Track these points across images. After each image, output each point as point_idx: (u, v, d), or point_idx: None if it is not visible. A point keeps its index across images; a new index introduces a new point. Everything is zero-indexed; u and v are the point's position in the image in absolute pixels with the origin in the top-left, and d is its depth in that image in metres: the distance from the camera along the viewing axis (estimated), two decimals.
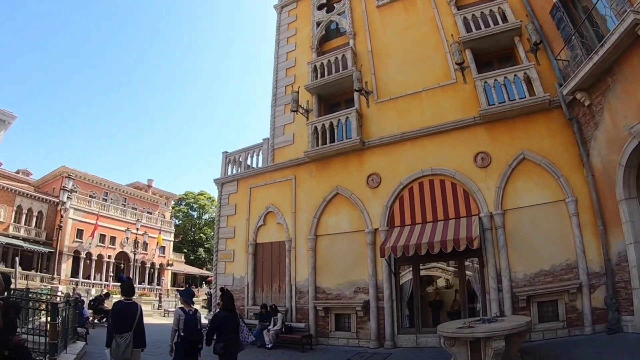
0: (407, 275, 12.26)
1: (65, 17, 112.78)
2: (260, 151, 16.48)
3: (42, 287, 18.73)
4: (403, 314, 11.87)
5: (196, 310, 7.14)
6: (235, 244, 15.69)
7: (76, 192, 42.99)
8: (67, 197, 17.86)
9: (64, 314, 8.79)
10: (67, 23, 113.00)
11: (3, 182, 41.87)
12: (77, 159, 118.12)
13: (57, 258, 36.79)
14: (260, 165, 16.28)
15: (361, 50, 15.36)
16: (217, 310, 7.98)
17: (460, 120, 12.05)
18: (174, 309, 18.76)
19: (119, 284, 9.98)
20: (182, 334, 6.64)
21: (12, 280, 7.05)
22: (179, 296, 11.91)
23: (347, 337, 12.34)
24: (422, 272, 12.44)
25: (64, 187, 18.69)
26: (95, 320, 17.64)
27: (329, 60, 15.46)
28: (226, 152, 17.50)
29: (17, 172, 50.67)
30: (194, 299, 7.57)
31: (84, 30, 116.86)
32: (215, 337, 6.80)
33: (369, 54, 15.07)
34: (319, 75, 15.60)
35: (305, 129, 14.85)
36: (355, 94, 14.20)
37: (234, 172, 16.78)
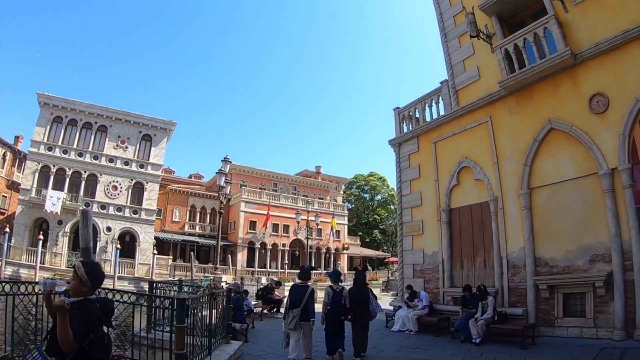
0: None
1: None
2: (440, 97, 15.30)
3: (202, 277, 19.03)
4: None
5: (343, 287, 9.31)
6: (423, 213, 14.86)
7: (245, 186, 47.42)
8: (225, 188, 18.66)
9: (206, 311, 8.24)
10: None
11: (176, 186, 48.65)
12: (243, 156, 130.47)
13: (214, 250, 39.31)
14: (442, 113, 15.08)
15: None
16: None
17: None
18: None
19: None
20: (329, 307, 8.87)
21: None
22: (328, 277, 12.45)
23: (579, 325, 10.17)
24: None
25: (226, 180, 19.37)
26: (265, 311, 17.25)
27: None
28: (397, 107, 16.72)
29: (190, 177, 59.30)
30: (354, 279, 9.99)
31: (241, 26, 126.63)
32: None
33: None
34: None
35: (490, 59, 13.28)
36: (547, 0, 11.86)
37: (411, 128, 15.78)
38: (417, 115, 16.04)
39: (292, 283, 21.44)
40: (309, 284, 9.12)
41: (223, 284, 16.56)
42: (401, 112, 16.59)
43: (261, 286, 21.92)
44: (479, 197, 13.27)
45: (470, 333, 10.67)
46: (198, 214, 49.18)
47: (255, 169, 54.13)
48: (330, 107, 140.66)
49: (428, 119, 15.60)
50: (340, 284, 9.44)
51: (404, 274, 15.36)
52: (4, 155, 44.05)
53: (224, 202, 18.65)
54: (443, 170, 14.32)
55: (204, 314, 8.02)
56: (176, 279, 29.93)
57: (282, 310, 17.15)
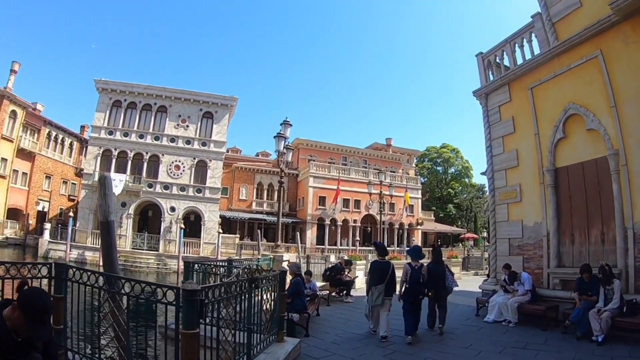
0: None
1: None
2: (532, 34, 12.46)
3: (260, 256, 16.52)
4: None
5: (422, 265, 9.26)
6: (521, 175, 12.32)
7: (314, 160, 46.15)
8: (287, 154, 16.49)
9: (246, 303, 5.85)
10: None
11: (242, 163, 48.15)
12: (310, 131, 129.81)
13: (277, 227, 38.08)
14: (537, 52, 12.25)
15: None
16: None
17: None
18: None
19: (372, 248, 10.17)
20: (407, 285, 8.94)
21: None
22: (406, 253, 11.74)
23: None
24: None
25: (287, 146, 17.21)
26: (333, 294, 14.94)
27: None
28: (481, 53, 14.31)
29: (257, 155, 59.27)
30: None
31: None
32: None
33: None
34: None
35: None
36: None
37: (500, 75, 13.12)
38: (506, 61, 13.42)
39: (363, 262, 19.59)
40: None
41: (284, 264, 14.30)
42: (485, 58, 14.02)
43: (330, 265, 19.45)
44: (593, 152, 10.44)
45: (590, 327, 8.21)
46: (265, 191, 48.29)
47: (323, 143, 52.69)
48: (400, 77, 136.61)
49: (520, 61, 12.85)
50: (419, 261, 9.42)
51: (497, 251, 12.84)
52: (71, 145, 47.87)
53: (285, 170, 16.41)
54: (544, 121, 11.60)
55: (244, 305, 5.79)
56: (243, 257, 28.93)
57: (352, 293, 15.33)
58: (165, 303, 4.18)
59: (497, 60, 13.84)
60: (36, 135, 42.84)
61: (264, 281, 6.49)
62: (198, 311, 4.04)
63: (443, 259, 10.73)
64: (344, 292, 15.36)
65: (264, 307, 6.51)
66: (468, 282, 17.53)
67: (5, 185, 38.66)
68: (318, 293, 12.34)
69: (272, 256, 15.37)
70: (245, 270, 7.70)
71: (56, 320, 4.63)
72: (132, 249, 35.43)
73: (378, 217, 37.27)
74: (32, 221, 40.59)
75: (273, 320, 6.81)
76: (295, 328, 8.65)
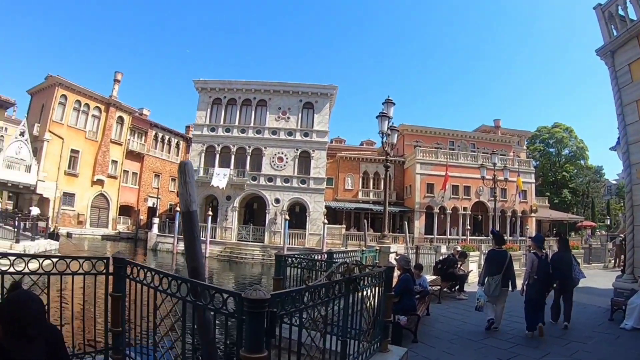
0: None
1: None
2: None
3: (363, 249, 14.57)
4: None
5: (547, 254, 8.76)
6: None
7: (419, 146, 44.76)
8: (392, 136, 15.08)
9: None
10: None
11: (346, 153, 47.99)
12: (414, 116, 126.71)
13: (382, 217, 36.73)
14: None
15: None
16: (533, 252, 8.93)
17: None
18: None
19: (483, 238, 9.73)
20: (535, 276, 8.28)
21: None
22: (531, 242, 10.50)
23: None
24: None
25: (392, 127, 15.57)
26: (445, 289, 13.19)
27: None
28: (599, 5, 12.01)
29: (361, 144, 59.45)
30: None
31: None
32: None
33: None
34: None
35: None
36: None
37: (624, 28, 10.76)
38: (631, 12, 10.93)
39: (477, 253, 17.89)
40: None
41: (392, 256, 13.17)
42: (606, 10, 11.67)
43: (441, 257, 17.71)
44: None
45: None
46: (371, 180, 47.14)
47: (428, 128, 50.69)
48: (505, 50, 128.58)
49: None
50: (543, 250, 8.77)
51: (635, 241, 10.48)
52: (177, 144, 53.68)
53: (390, 153, 14.94)
54: None
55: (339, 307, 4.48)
56: (349, 248, 27.89)
57: (466, 289, 13.74)
58: (225, 314, 3.05)
59: (620, 12, 11.46)
60: (143, 137, 48.64)
61: (366, 280, 4.90)
62: (266, 328, 2.84)
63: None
64: (456, 287, 13.75)
65: (365, 309, 5.07)
66: (594, 278, 15.01)
67: (117, 184, 44.88)
68: (428, 290, 10.72)
69: (377, 247, 14.09)
70: (344, 266, 5.87)
71: (114, 322, 4.20)
72: (238, 240, 36.32)
73: (489, 204, 35.29)
74: (143, 216, 45.65)
75: (376, 325, 5.39)
76: (402, 333, 7.35)
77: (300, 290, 3.51)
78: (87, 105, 42.12)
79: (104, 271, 4.41)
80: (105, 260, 4.43)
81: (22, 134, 35.09)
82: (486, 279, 8.45)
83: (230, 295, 3.00)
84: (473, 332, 8.41)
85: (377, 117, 14.56)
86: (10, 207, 38.58)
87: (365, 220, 38.91)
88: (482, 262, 12.94)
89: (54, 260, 4.26)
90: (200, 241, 7.36)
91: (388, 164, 15.05)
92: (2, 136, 38.10)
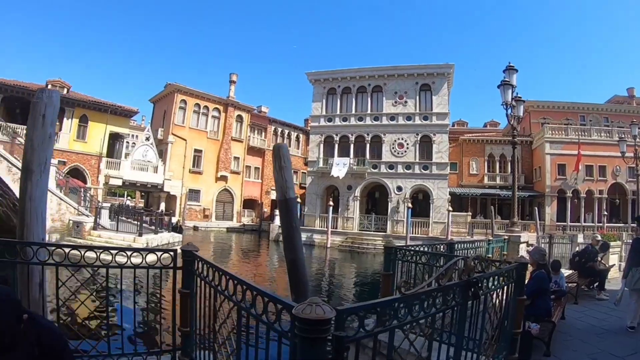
0: None
1: None
2: None
3: (490, 238, 12.37)
4: None
5: None
6: None
7: (547, 124, 42.17)
8: (517, 108, 13.27)
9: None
10: None
11: (469, 135, 46.24)
12: (540, 92, 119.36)
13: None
14: None
15: None
16: None
17: None
18: None
19: (625, 225, 7.11)
20: None
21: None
22: None
23: None
24: None
25: (517, 98, 13.87)
26: (583, 287, 10.82)
27: None
28: None
29: (485, 125, 57.19)
30: None
31: None
32: None
33: None
34: None
35: None
36: None
37: None
38: None
39: (618, 242, 15.76)
40: None
41: (522, 246, 11.58)
42: None
43: (577, 248, 15.47)
44: None
45: None
46: (497, 163, 44.78)
47: (555, 102, 46.53)
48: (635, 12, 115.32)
49: None
50: None
51: None
52: (297, 138, 55.47)
53: (516, 127, 13.33)
54: None
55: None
56: (474, 238, 25.94)
57: (607, 287, 11.23)
58: (279, 332, 2.26)
59: None
60: (263, 133, 51.26)
61: (491, 282, 3.73)
62: (330, 358, 1.94)
63: None
64: (596, 284, 11.41)
65: (488, 317, 3.85)
66: None
67: (240, 179, 47.98)
68: (565, 289, 8.91)
69: (506, 237, 12.28)
70: (462, 264, 4.14)
71: (183, 321, 3.92)
72: (360, 230, 36.01)
73: (628, 187, 31.37)
74: (266, 209, 48.16)
75: (501, 336, 4.18)
76: (532, 344, 5.72)
77: (392, 303, 2.48)
78: (207, 107, 45.39)
79: (171, 265, 4.15)
80: (172, 253, 4.17)
81: (147, 138, 39.55)
82: (630, 270, 7.53)
83: (284, 306, 2.23)
84: (620, 344, 6.59)
85: (498, 87, 12.89)
86: (142, 205, 43.76)
87: (492, 207, 36.02)
88: (625, 254, 11.60)
89: (113, 252, 4.11)
90: (299, 231, 6.84)
91: (515, 140, 13.59)
92: (133, 143, 42.74)
